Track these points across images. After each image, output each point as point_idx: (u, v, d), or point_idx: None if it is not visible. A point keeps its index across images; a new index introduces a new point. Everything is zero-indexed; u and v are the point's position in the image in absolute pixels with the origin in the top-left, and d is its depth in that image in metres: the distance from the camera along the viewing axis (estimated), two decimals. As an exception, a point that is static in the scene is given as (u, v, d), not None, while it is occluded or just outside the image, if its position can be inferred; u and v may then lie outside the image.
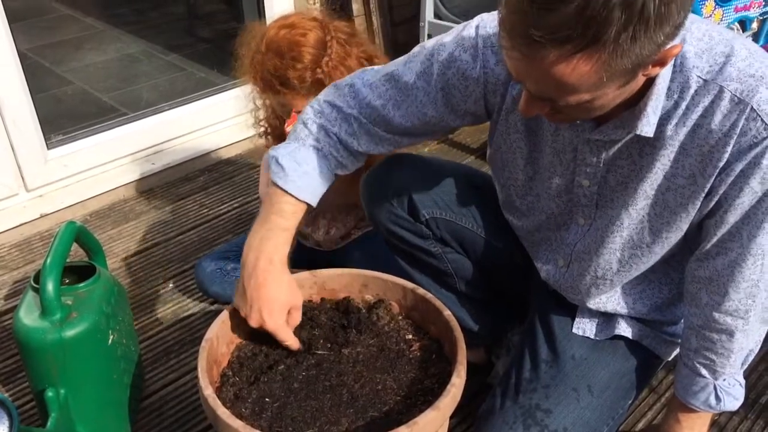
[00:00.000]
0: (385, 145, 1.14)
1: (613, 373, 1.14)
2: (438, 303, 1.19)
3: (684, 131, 0.92)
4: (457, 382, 1.04)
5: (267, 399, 1.08)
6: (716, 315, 1.02)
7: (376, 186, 1.24)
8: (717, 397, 1.08)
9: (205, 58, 3.19)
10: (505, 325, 1.41)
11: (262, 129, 1.62)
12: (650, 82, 0.89)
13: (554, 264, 1.19)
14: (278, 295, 1.09)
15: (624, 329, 1.16)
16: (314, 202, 1.10)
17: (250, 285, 1.08)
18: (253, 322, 1.09)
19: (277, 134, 1.61)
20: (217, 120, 2.39)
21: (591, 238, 1.09)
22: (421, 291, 1.23)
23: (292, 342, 1.13)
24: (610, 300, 1.14)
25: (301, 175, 1.07)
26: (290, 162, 1.07)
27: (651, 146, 0.96)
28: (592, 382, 1.12)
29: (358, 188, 1.29)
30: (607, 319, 1.18)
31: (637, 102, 0.91)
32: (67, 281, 1.28)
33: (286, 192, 1.07)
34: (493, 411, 1.13)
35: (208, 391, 1.02)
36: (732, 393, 1.08)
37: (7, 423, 0.87)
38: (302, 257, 1.68)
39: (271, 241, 1.08)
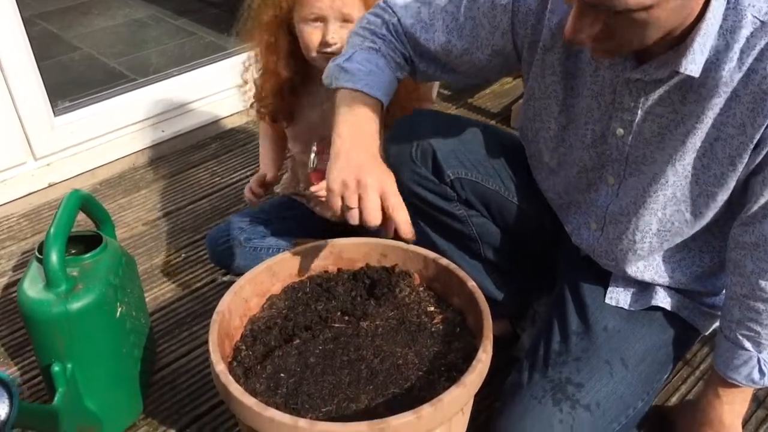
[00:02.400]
0: (417, 63, 1.13)
1: (648, 345, 1.07)
2: (461, 273, 1.13)
3: (738, 76, 0.86)
4: (484, 357, 0.98)
5: (282, 374, 1.03)
6: (762, 283, 0.95)
7: (399, 144, 1.17)
8: (761, 371, 1.01)
9: (215, 23, 3.11)
10: (531, 294, 1.35)
11: (256, 102, 1.53)
12: (700, 17, 0.83)
13: (587, 228, 1.12)
14: (386, 170, 0.99)
15: (662, 299, 1.09)
16: (386, 100, 1.06)
17: (353, 161, 0.97)
18: (372, 190, 0.94)
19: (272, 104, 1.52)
20: (229, 86, 2.30)
21: (629, 197, 1.03)
22: (443, 261, 1.17)
23: (406, 224, 0.97)
24: (648, 268, 1.07)
25: (367, 74, 1.05)
26: (353, 64, 1.06)
27: (696, 93, 0.90)
28: (626, 355, 1.06)
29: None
30: (642, 288, 1.11)
31: (683, 40, 0.85)
32: (74, 252, 1.23)
33: (359, 90, 1.03)
34: (520, 385, 1.07)
35: (220, 367, 0.97)
36: None
37: (6, 401, 0.82)
38: (316, 227, 1.62)
39: (365, 128, 1.01)
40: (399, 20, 1.11)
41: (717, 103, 0.88)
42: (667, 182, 0.97)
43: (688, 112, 0.91)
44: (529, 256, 1.30)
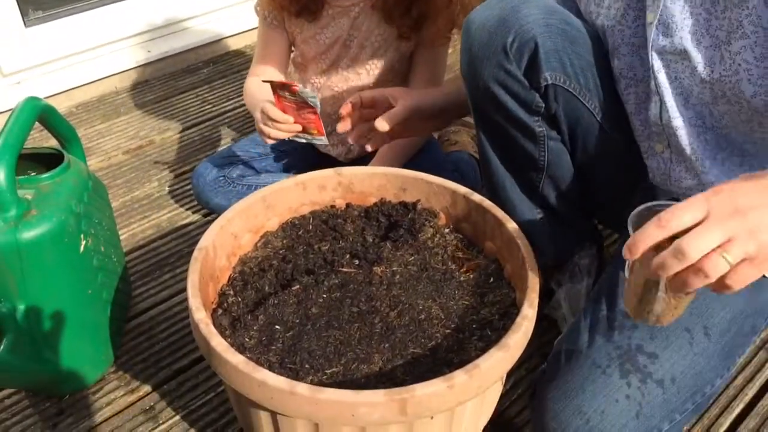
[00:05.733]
0: None
1: (735, 313, 0.88)
2: (499, 212, 0.94)
3: None
4: (530, 313, 0.80)
5: (277, 326, 0.85)
6: None
7: (492, 29, 0.91)
8: None
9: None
10: (574, 246, 1.15)
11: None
12: None
13: (653, 154, 0.95)
14: None
15: None
16: None
17: None
18: None
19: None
20: (226, 4, 2.10)
21: (673, 100, 0.87)
22: (476, 197, 0.97)
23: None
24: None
25: None
26: None
27: None
28: (709, 323, 0.86)
29: None
30: None
31: None
32: (33, 174, 1.03)
33: None
34: (577, 348, 0.87)
35: (200, 315, 0.78)
36: None
37: None
38: (320, 164, 1.42)
39: None
40: None
41: None
42: (712, 76, 0.81)
43: None
44: (593, 203, 1.10)
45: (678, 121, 0.88)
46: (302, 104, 1.07)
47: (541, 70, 0.91)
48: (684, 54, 0.83)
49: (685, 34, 0.82)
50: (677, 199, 0.92)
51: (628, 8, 0.89)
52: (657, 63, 0.86)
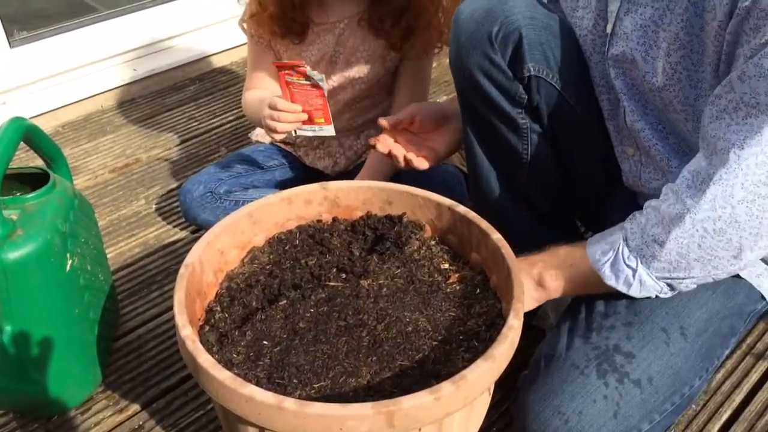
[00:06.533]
0: None
1: (711, 314, 0.89)
2: (484, 224, 0.94)
3: None
4: (516, 324, 0.80)
5: (265, 342, 0.85)
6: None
7: (479, 20, 0.94)
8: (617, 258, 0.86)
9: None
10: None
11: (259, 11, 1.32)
12: None
13: (626, 157, 0.98)
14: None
15: None
16: None
17: None
18: None
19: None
20: (212, 21, 2.11)
21: (636, 107, 0.92)
22: (461, 209, 0.98)
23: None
24: None
25: None
26: None
27: None
28: (686, 324, 0.87)
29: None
30: None
31: None
32: (18, 194, 1.03)
33: None
34: (557, 351, 0.88)
35: (187, 332, 0.78)
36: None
37: None
38: (307, 179, 1.42)
39: None
40: None
41: None
42: (658, 85, 0.85)
43: None
44: (573, 203, 1.12)
45: (640, 124, 0.92)
46: (310, 88, 1.10)
47: (525, 61, 0.93)
48: (634, 63, 0.87)
49: (634, 45, 0.86)
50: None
51: (599, 18, 0.92)
52: (612, 71, 0.91)
